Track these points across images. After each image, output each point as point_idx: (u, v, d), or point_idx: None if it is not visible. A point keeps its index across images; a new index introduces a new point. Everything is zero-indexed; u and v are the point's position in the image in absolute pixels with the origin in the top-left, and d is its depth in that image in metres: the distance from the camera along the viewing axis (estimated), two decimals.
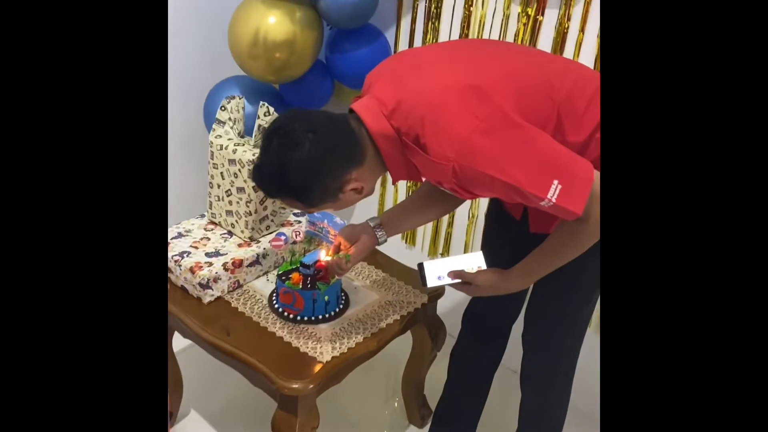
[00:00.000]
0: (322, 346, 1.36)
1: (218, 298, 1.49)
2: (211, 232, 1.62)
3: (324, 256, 1.41)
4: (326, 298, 1.43)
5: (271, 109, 1.51)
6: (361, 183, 1.13)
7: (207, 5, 2.04)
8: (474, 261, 1.27)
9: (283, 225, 1.66)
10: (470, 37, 1.82)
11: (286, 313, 1.44)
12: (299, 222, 1.67)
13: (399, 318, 1.48)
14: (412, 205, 1.41)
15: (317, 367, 1.31)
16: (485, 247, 1.47)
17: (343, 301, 1.50)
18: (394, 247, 2.15)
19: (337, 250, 1.38)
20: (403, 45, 1.98)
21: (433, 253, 2.11)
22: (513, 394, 1.52)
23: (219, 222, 1.64)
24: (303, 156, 1.05)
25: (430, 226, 2.09)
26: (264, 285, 1.55)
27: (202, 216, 1.69)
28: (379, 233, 1.37)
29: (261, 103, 1.52)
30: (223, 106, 1.57)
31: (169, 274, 1.52)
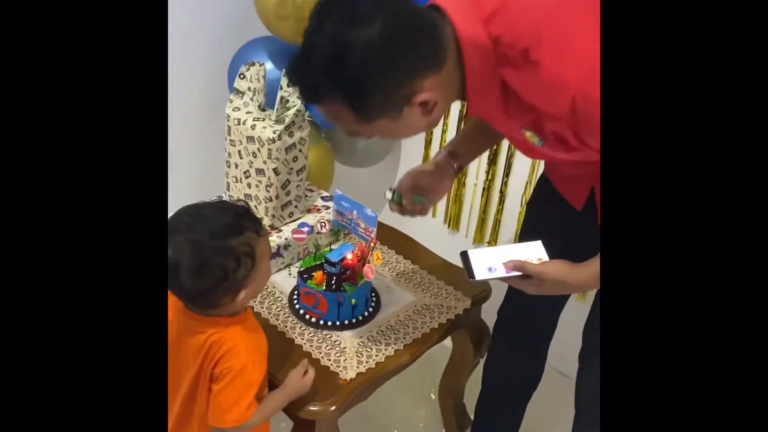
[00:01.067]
0: (346, 359, 1.17)
1: None
2: None
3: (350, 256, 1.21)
4: (353, 301, 1.24)
5: None
6: (434, 96, 0.85)
7: None
8: (532, 252, 1.03)
9: (309, 211, 1.46)
10: None
11: (307, 317, 1.26)
12: (328, 209, 1.47)
13: (437, 326, 1.28)
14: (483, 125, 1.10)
15: (339, 386, 1.13)
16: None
17: (373, 304, 1.30)
18: (433, 231, 1.94)
19: (410, 193, 1.13)
20: None
21: (479, 241, 1.89)
22: (559, 398, 1.32)
23: None
24: (372, 36, 0.77)
25: (476, 210, 1.86)
26: (285, 280, 1.37)
27: (220, 198, 1.51)
28: (455, 164, 1.16)
29: (284, 70, 1.30)
30: (241, 74, 1.37)
31: None
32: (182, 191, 1.64)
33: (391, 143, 1.95)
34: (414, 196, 1.14)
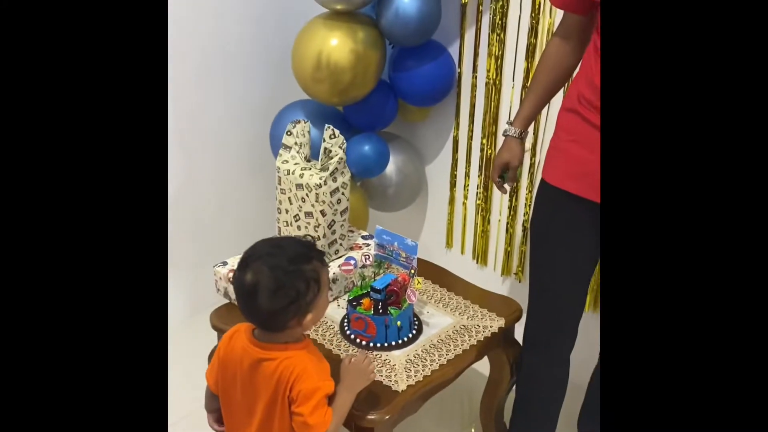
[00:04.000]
0: (397, 374, 1.31)
1: None
2: None
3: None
4: (398, 323, 1.38)
5: (337, 132, 1.49)
6: None
7: (271, 31, 2.06)
8: None
9: (351, 248, 1.63)
10: (538, 47, 1.75)
11: (358, 340, 1.40)
12: (368, 245, 1.63)
13: (476, 343, 1.41)
14: (543, 90, 1.36)
15: (393, 397, 1.26)
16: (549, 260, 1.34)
17: (415, 327, 1.44)
18: (462, 266, 2.09)
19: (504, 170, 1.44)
20: (467, 59, 1.93)
21: (506, 274, 2.03)
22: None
23: None
24: None
25: (502, 243, 2.01)
26: (335, 311, 1.52)
27: None
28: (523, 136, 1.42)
29: (326, 126, 1.50)
30: (288, 131, 1.56)
31: None
32: (237, 237, 1.82)
33: (419, 190, 2.13)
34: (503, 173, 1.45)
